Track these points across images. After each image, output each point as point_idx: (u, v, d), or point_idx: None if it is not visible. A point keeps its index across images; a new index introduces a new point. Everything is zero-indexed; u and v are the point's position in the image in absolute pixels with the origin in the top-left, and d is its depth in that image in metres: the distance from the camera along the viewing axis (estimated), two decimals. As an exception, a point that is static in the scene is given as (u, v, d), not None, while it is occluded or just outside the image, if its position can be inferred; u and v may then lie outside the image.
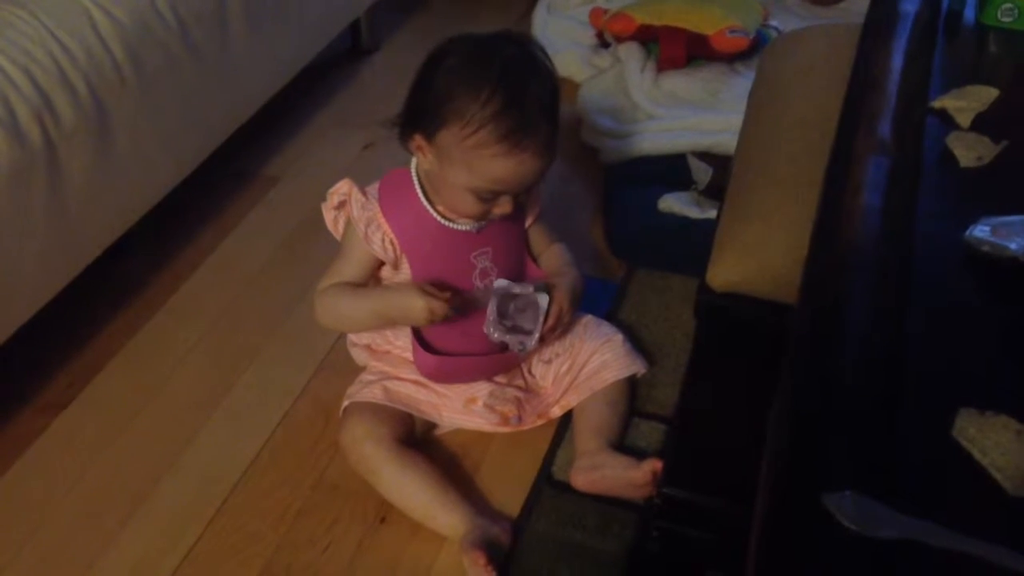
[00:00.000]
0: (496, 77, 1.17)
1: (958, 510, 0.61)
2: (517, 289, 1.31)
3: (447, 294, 1.25)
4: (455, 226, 1.29)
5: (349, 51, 2.30)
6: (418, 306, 1.24)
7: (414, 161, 1.30)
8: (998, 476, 0.62)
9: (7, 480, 1.36)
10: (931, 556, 0.56)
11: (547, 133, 1.21)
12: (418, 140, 1.24)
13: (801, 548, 0.58)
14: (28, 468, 1.38)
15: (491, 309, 1.30)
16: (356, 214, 1.30)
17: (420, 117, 1.23)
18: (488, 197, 1.23)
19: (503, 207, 1.25)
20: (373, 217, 1.29)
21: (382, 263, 1.32)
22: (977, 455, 0.63)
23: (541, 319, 1.30)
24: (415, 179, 1.30)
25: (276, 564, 1.25)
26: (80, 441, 1.41)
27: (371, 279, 1.35)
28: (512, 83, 1.18)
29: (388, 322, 1.32)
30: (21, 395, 1.47)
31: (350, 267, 1.32)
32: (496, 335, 1.30)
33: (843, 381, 0.69)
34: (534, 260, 1.40)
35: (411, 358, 1.35)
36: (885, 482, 0.61)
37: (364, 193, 1.30)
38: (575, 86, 2.14)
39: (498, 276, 1.33)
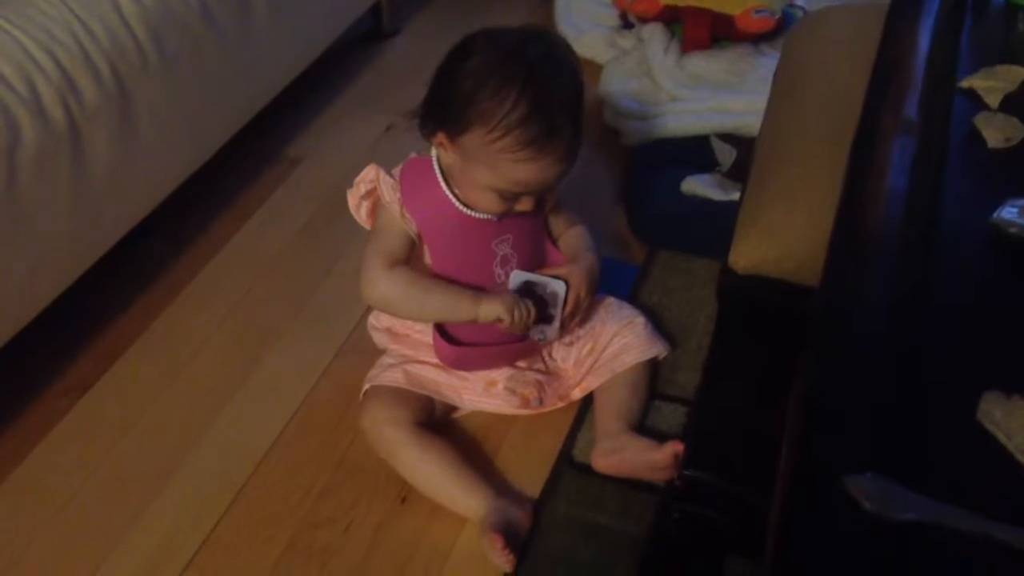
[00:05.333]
0: (522, 81, 1.16)
1: (982, 493, 0.60)
2: (535, 279, 1.31)
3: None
4: (476, 215, 1.29)
5: (370, 34, 2.30)
6: (504, 314, 1.27)
7: (435, 150, 1.29)
8: (1023, 460, 0.61)
9: (31, 461, 1.37)
10: (953, 539, 0.56)
11: (572, 136, 1.20)
12: (440, 137, 1.24)
13: (821, 530, 0.57)
14: (51, 449, 1.39)
15: None
16: (388, 196, 1.29)
17: (443, 116, 1.22)
18: (510, 197, 1.23)
19: (525, 205, 1.25)
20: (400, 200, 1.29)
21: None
22: (1002, 439, 0.62)
23: (560, 307, 1.30)
24: (436, 167, 1.29)
25: (297, 543, 1.26)
26: (103, 423, 1.42)
27: (414, 256, 1.33)
28: (538, 87, 1.17)
29: (463, 317, 1.30)
30: (44, 377, 1.48)
31: (392, 242, 1.30)
32: None
33: (865, 363, 0.69)
34: (553, 243, 1.39)
35: (431, 341, 1.34)
36: (907, 465, 0.60)
37: (391, 175, 1.30)
38: (598, 68, 2.13)
39: (518, 262, 1.33)
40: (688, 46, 2.11)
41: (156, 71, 1.48)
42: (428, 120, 1.25)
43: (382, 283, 1.30)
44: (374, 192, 1.31)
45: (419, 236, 1.30)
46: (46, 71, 1.31)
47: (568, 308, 1.32)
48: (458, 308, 1.29)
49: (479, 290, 1.31)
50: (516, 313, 1.27)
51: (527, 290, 1.31)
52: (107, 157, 1.42)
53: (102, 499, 1.32)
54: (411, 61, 2.14)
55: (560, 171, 1.22)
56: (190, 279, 1.66)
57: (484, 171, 1.21)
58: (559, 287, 1.31)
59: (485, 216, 1.29)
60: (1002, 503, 0.59)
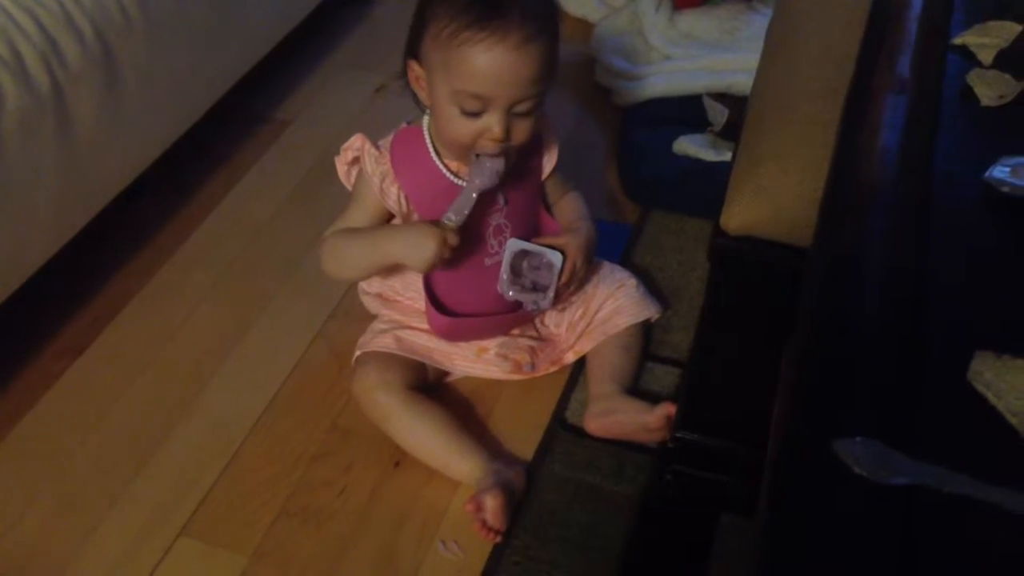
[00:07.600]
0: None
1: (972, 455, 0.60)
2: (531, 248, 1.30)
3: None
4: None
5: (360, -8, 2.27)
6: (431, 244, 1.20)
7: (426, 119, 1.28)
8: (1013, 421, 0.61)
9: (25, 425, 1.37)
10: (944, 502, 0.56)
11: (525, 24, 1.15)
12: (412, 68, 1.23)
13: (812, 494, 0.57)
14: (45, 413, 1.39)
15: (504, 268, 1.29)
16: (370, 168, 1.29)
17: (411, 44, 1.22)
18: (472, 110, 1.17)
19: (490, 129, 1.17)
20: (387, 171, 1.28)
21: (392, 215, 1.31)
22: (992, 399, 0.62)
23: (555, 277, 1.30)
24: (427, 136, 1.28)
25: (292, 507, 1.26)
26: (96, 386, 1.42)
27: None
28: None
29: (385, 257, 1.27)
30: (38, 341, 1.48)
31: (360, 216, 1.31)
32: (511, 294, 1.30)
33: (858, 325, 0.68)
34: (548, 210, 1.38)
35: (421, 307, 1.34)
36: (899, 427, 0.60)
37: (377, 147, 1.29)
38: (589, 26, 2.11)
39: (512, 232, 1.32)
40: (680, 3, 2.08)
41: (140, 32, 1.46)
42: (405, 57, 1.24)
43: (322, 249, 1.33)
44: (360, 159, 1.30)
45: (407, 205, 1.29)
46: (28, 33, 1.29)
47: (564, 279, 1.31)
48: (377, 248, 1.28)
49: (472, 263, 1.30)
50: (444, 248, 1.21)
51: (522, 259, 1.30)
52: (92, 120, 1.40)
53: (97, 463, 1.32)
54: (401, 20, 2.09)
55: (512, 65, 1.14)
56: (181, 242, 1.65)
57: (441, 77, 1.17)
58: (555, 258, 1.30)
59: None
60: (993, 464, 0.60)
